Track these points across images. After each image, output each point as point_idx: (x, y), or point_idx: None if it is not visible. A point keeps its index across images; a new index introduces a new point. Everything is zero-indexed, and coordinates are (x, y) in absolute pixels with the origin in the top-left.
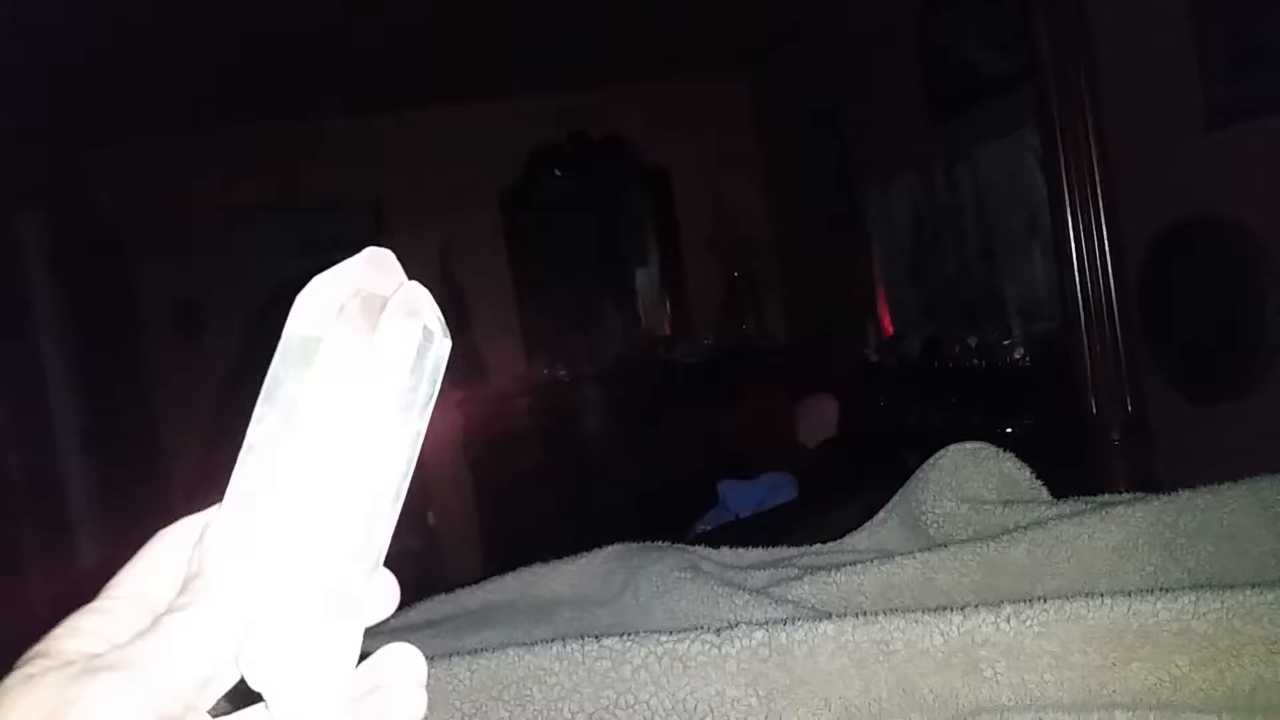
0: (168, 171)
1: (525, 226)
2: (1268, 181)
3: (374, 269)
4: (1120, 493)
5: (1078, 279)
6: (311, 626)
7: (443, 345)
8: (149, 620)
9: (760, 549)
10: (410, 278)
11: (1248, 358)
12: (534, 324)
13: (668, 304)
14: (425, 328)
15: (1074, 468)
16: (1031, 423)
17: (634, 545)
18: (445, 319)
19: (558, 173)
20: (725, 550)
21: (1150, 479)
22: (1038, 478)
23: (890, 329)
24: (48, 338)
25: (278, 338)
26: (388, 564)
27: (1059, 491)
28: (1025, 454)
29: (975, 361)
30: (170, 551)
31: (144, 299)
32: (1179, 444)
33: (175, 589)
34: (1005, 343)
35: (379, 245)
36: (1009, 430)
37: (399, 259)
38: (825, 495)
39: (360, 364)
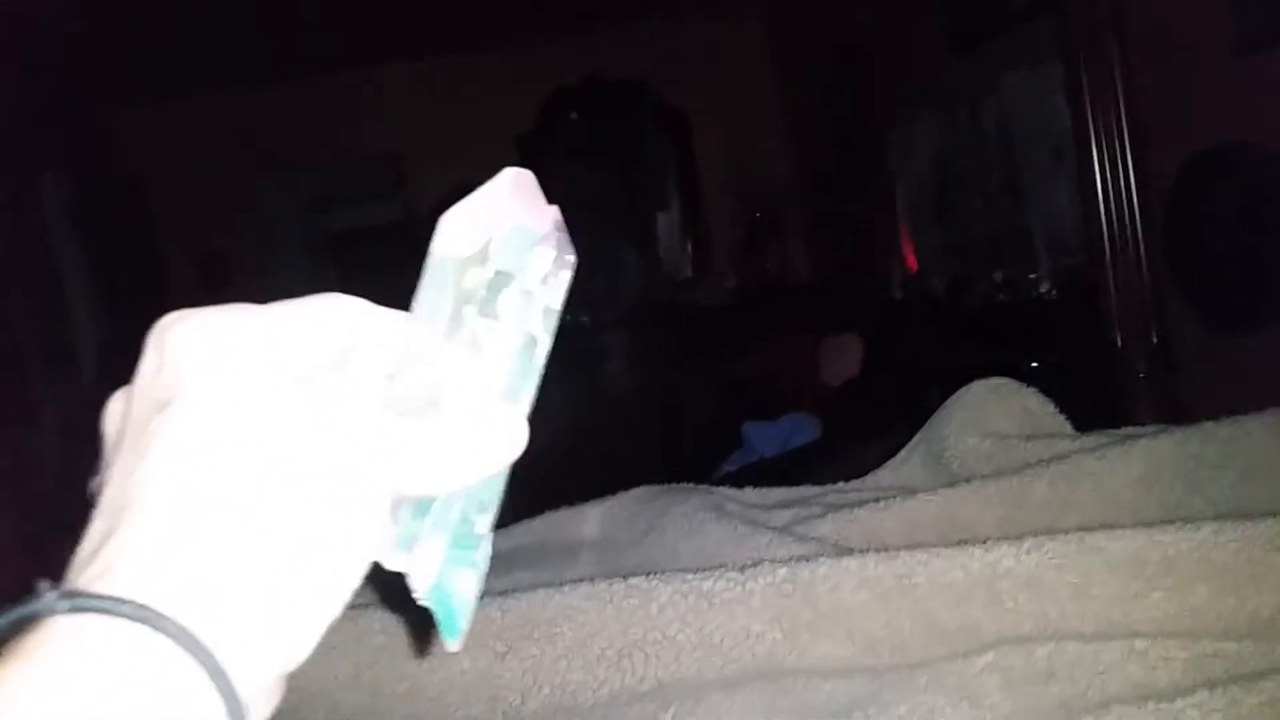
0: (189, 128)
1: (543, 171)
2: None
3: (521, 193)
4: (1145, 425)
5: (1102, 212)
6: (470, 537)
7: (573, 263)
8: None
9: (784, 488)
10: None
11: (1275, 288)
12: None
13: (689, 247)
14: (563, 252)
15: (1100, 401)
16: (1058, 357)
17: (658, 487)
18: None
19: (574, 116)
20: (749, 490)
21: (1177, 411)
22: (1062, 412)
23: (915, 266)
24: (74, 296)
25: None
26: None
27: (1085, 426)
28: (1051, 389)
29: (1001, 297)
30: (345, 318)
31: (169, 256)
32: (1205, 375)
33: (330, 361)
34: (1031, 277)
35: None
36: (1035, 365)
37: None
38: (849, 434)
39: (524, 296)
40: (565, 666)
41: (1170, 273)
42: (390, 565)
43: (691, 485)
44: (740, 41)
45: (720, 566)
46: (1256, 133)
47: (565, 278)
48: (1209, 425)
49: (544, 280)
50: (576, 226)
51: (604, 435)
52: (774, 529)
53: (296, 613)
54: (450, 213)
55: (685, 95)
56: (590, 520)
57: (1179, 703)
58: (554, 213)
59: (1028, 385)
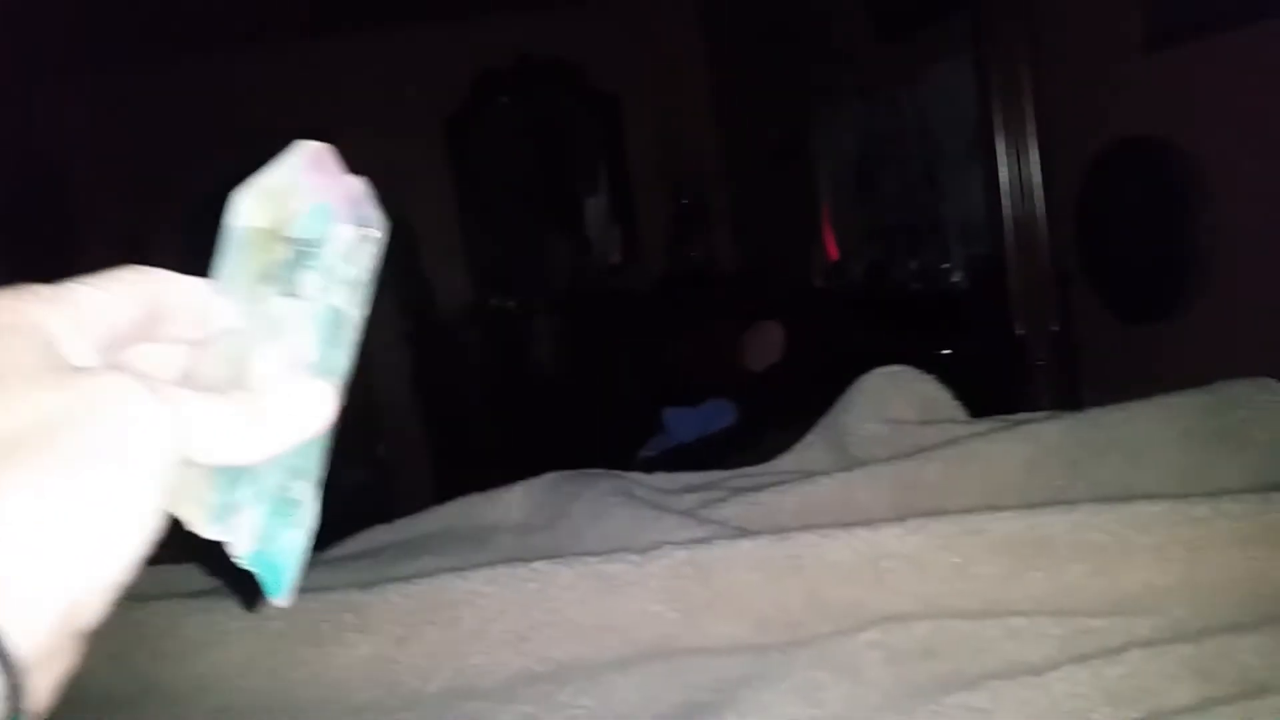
0: (109, 107)
1: (472, 154)
2: (1204, 103)
3: (317, 167)
4: (1042, 412)
5: (1006, 204)
6: (288, 501)
7: (382, 237)
8: (104, 323)
9: (692, 473)
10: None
11: (1180, 278)
12: (482, 254)
13: (618, 232)
14: (369, 221)
15: (1005, 389)
16: (969, 345)
17: (569, 473)
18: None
19: (504, 99)
20: (659, 475)
21: (1077, 399)
22: (968, 399)
23: (835, 254)
24: None
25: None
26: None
27: (987, 412)
28: (960, 376)
29: (916, 285)
30: (148, 289)
31: (88, 238)
32: (1111, 364)
33: (136, 331)
34: (944, 267)
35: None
36: (947, 353)
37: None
38: (766, 420)
39: (322, 270)
40: (466, 650)
41: (1078, 264)
42: (207, 535)
43: (603, 471)
44: (672, 26)
45: (622, 549)
46: (1165, 128)
47: (370, 250)
48: (1095, 411)
49: (345, 256)
50: (505, 209)
51: (527, 421)
52: (679, 513)
53: (80, 573)
54: (244, 188)
55: (616, 79)
56: (501, 506)
57: (1048, 676)
58: (357, 185)
59: (931, 373)
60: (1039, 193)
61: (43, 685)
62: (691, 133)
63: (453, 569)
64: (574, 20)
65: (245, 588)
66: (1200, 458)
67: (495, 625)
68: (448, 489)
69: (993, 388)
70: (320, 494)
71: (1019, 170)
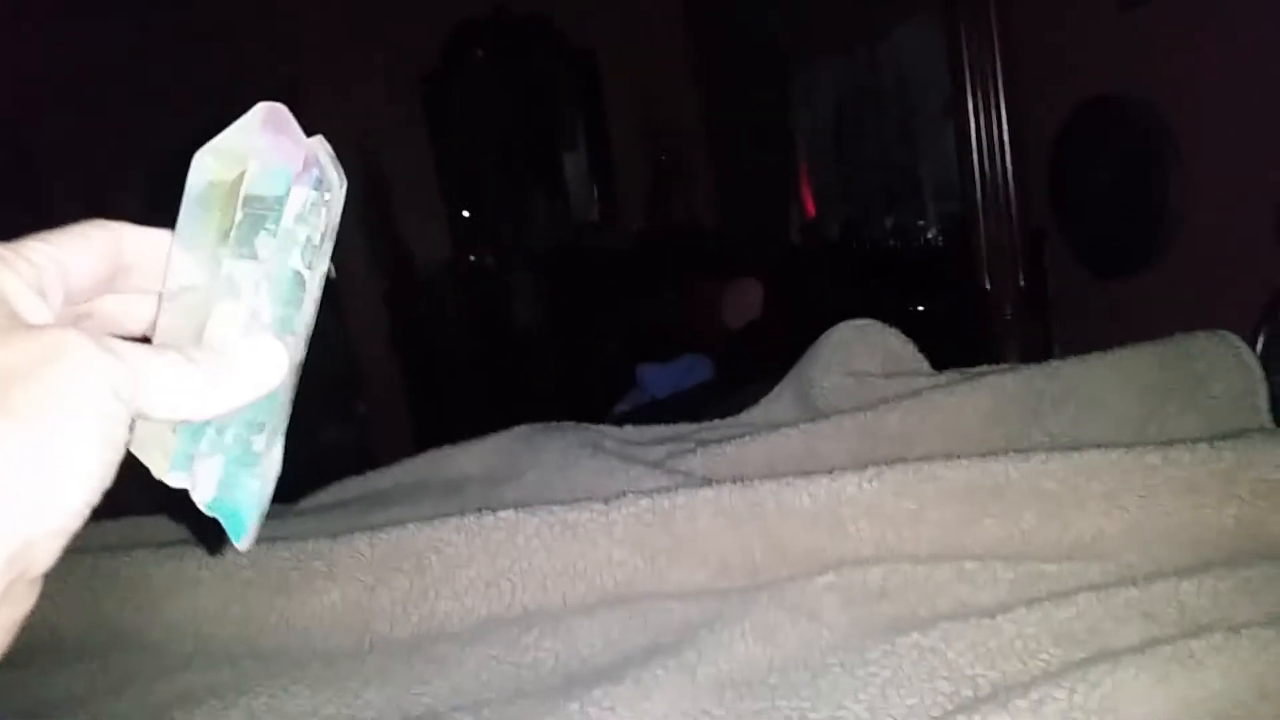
0: (80, 58)
1: (447, 110)
2: (1176, 61)
3: (272, 126)
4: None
5: (976, 160)
6: (251, 451)
7: (341, 194)
8: (61, 279)
9: (661, 426)
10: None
11: (1151, 233)
12: (460, 211)
13: (595, 189)
14: (327, 178)
15: (976, 344)
16: (941, 301)
17: (539, 425)
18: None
19: (480, 52)
20: (629, 428)
21: (1045, 353)
22: (940, 354)
23: (812, 211)
24: None
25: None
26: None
27: (958, 365)
28: (932, 331)
29: (891, 242)
30: (105, 244)
31: (53, 196)
32: (1084, 319)
33: (94, 285)
34: (920, 223)
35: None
36: (921, 309)
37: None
38: (741, 376)
39: (279, 226)
40: (434, 595)
41: (1052, 220)
42: (171, 483)
43: (572, 424)
44: None
45: (588, 498)
46: (1137, 85)
47: (327, 210)
48: (1054, 363)
49: (302, 218)
50: (483, 166)
51: (505, 377)
52: (645, 464)
53: (28, 520)
54: (202, 149)
55: (594, 35)
56: (471, 458)
57: (999, 618)
58: (313, 144)
59: (904, 328)
60: (1008, 150)
61: (9, 617)
62: (669, 89)
63: (422, 518)
64: None
65: (209, 534)
66: (1156, 408)
67: (463, 572)
68: (427, 445)
69: (964, 343)
70: (282, 445)
71: (989, 128)
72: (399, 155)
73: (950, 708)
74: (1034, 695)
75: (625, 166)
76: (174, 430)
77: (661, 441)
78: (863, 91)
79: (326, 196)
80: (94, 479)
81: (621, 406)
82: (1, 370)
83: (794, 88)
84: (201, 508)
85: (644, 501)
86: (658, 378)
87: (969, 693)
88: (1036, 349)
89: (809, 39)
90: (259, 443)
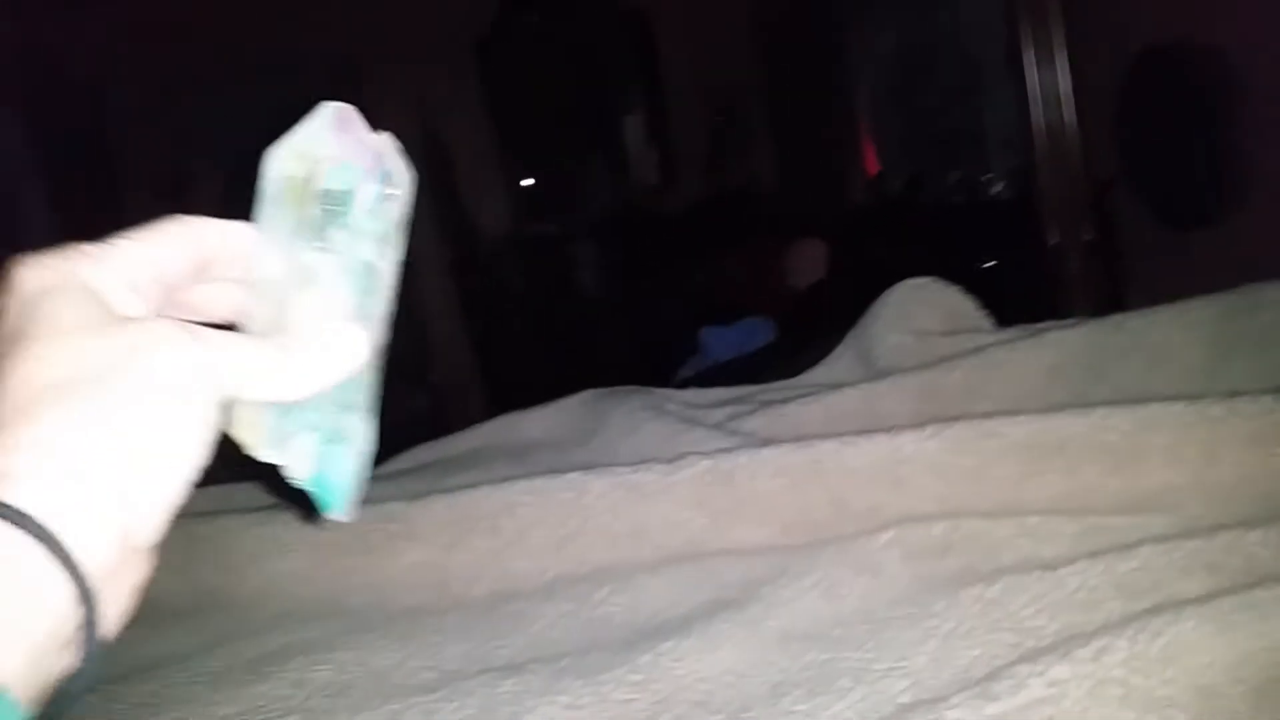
0: (139, 39)
1: (503, 77)
2: (1245, 4)
3: (340, 126)
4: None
5: (1037, 112)
6: (340, 427)
7: (409, 186)
8: (150, 273)
9: (723, 388)
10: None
11: (1222, 182)
12: (519, 179)
13: (655, 152)
14: (395, 171)
15: (1043, 300)
16: (1008, 256)
17: (604, 390)
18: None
19: (533, 18)
20: (691, 391)
21: (1116, 307)
22: (1007, 310)
23: (874, 168)
24: (33, 209)
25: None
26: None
27: (1024, 321)
28: (999, 288)
29: (955, 198)
30: (195, 238)
31: (124, 170)
32: (1155, 271)
33: (187, 278)
34: (984, 178)
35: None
36: (986, 265)
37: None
38: (803, 337)
39: (351, 219)
40: (508, 556)
41: (1120, 170)
42: (265, 459)
43: (636, 388)
44: None
45: (652, 460)
46: (1204, 28)
47: (396, 204)
48: (1119, 316)
49: (372, 212)
50: (541, 133)
51: (570, 344)
52: (707, 425)
53: (135, 497)
54: (275, 146)
55: None
56: (538, 423)
57: (1061, 571)
58: (381, 142)
59: (970, 286)
60: (1070, 99)
61: (118, 594)
62: (726, 48)
63: (494, 482)
64: None
65: (303, 506)
66: (1222, 360)
67: (534, 532)
68: (497, 411)
69: (1031, 299)
70: (373, 424)
71: (1050, 77)
72: (457, 126)
73: (1013, 658)
74: (1095, 645)
75: (684, 128)
76: (267, 411)
77: (723, 404)
78: (923, 44)
79: (395, 191)
80: (191, 459)
81: (685, 371)
82: (98, 361)
83: (853, 42)
84: (296, 483)
85: (706, 462)
86: (720, 341)
87: (1031, 643)
88: (1106, 303)
89: None
90: (350, 421)
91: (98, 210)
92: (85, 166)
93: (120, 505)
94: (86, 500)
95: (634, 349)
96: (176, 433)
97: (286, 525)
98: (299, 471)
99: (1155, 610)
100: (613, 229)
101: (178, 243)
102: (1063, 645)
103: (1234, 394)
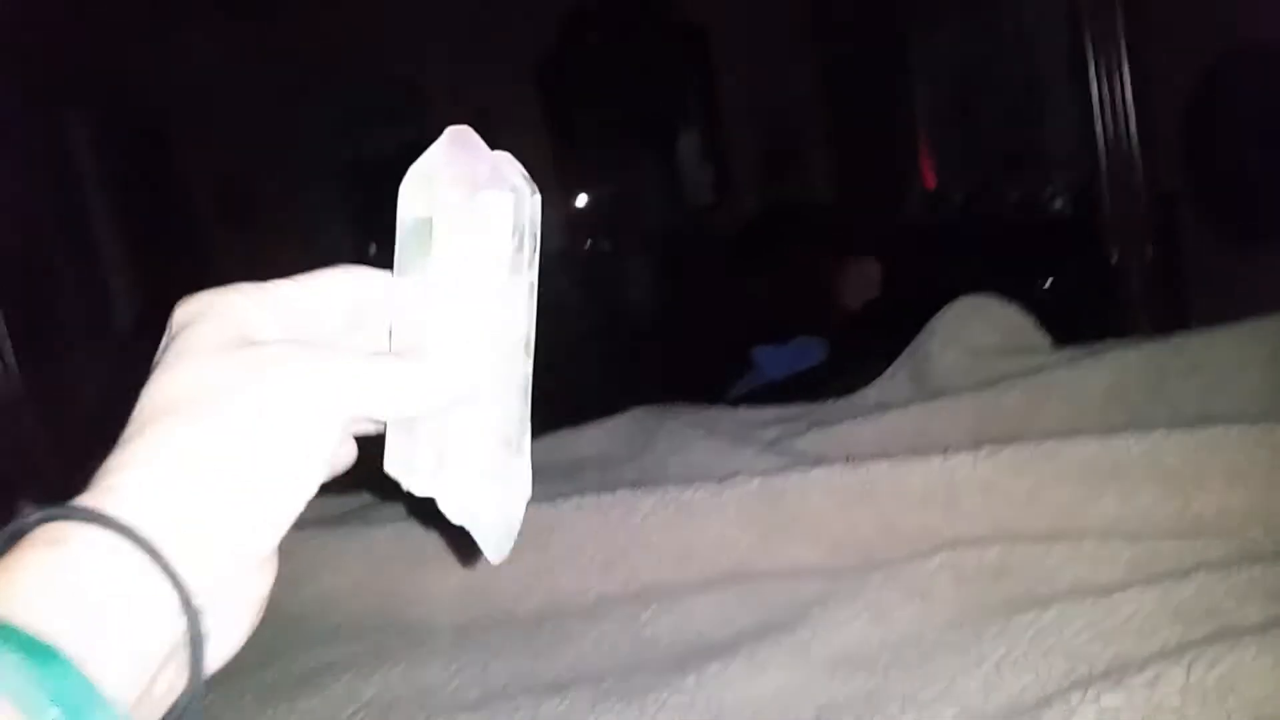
0: (206, 59)
1: (562, 96)
2: None
3: (459, 146)
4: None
5: (1099, 126)
6: (497, 462)
7: (534, 203)
8: (309, 331)
9: (774, 407)
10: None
11: None
12: (576, 196)
13: (711, 170)
14: (515, 189)
15: (1104, 319)
16: (1068, 275)
17: (654, 407)
18: None
19: (593, 38)
20: (743, 409)
21: (1178, 326)
22: (1068, 329)
23: (932, 183)
24: (102, 231)
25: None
26: None
27: (1084, 341)
28: (1061, 307)
29: (1017, 214)
30: (348, 285)
31: (195, 190)
32: (1223, 293)
33: (341, 324)
34: (1044, 194)
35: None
36: (1050, 282)
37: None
38: (856, 356)
39: (470, 239)
40: (556, 573)
41: (1186, 186)
42: (417, 493)
43: (686, 405)
44: None
45: (702, 478)
46: (1273, 39)
47: (521, 220)
48: (1180, 337)
49: (499, 232)
50: (598, 150)
51: (625, 360)
52: (758, 444)
53: (246, 512)
54: (405, 179)
55: (705, 10)
56: (589, 440)
57: (1116, 597)
58: (501, 160)
59: (1031, 305)
60: (1133, 113)
61: (235, 608)
62: (784, 63)
63: (543, 499)
64: None
65: (461, 545)
66: None
67: (583, 550)
68: (549, 427)
69: (1091, 318)
70: (528, 461)
71: (1113, 90)
72: (516, 144)
73: (1065, 685)
74: (1150, 673)
75: (740, 145)
76: (421, 444)
77: (775, 423)
78: (984, 57)
79: (515, 208)
80: (305, 477)
81: (738, 390)
82: (218, 381)
83: (913, 56)
84: (451, 518)
85: (756, 481)
86: (773, 359)
87: (1084, 670)
88: (1168, 323)
89: (929, 3)
90: (509, 460)
91: (165, 233)
92: (146, 178)
93: (229, 520)
94: (190, 513)
95: (687, 367)
96: (291, 451)
97: (342, 538)
98: (454, 510)
99: (1212, 638)
100: (667, 245)
101: (334, 289)
102: (1116, 673)
103: None
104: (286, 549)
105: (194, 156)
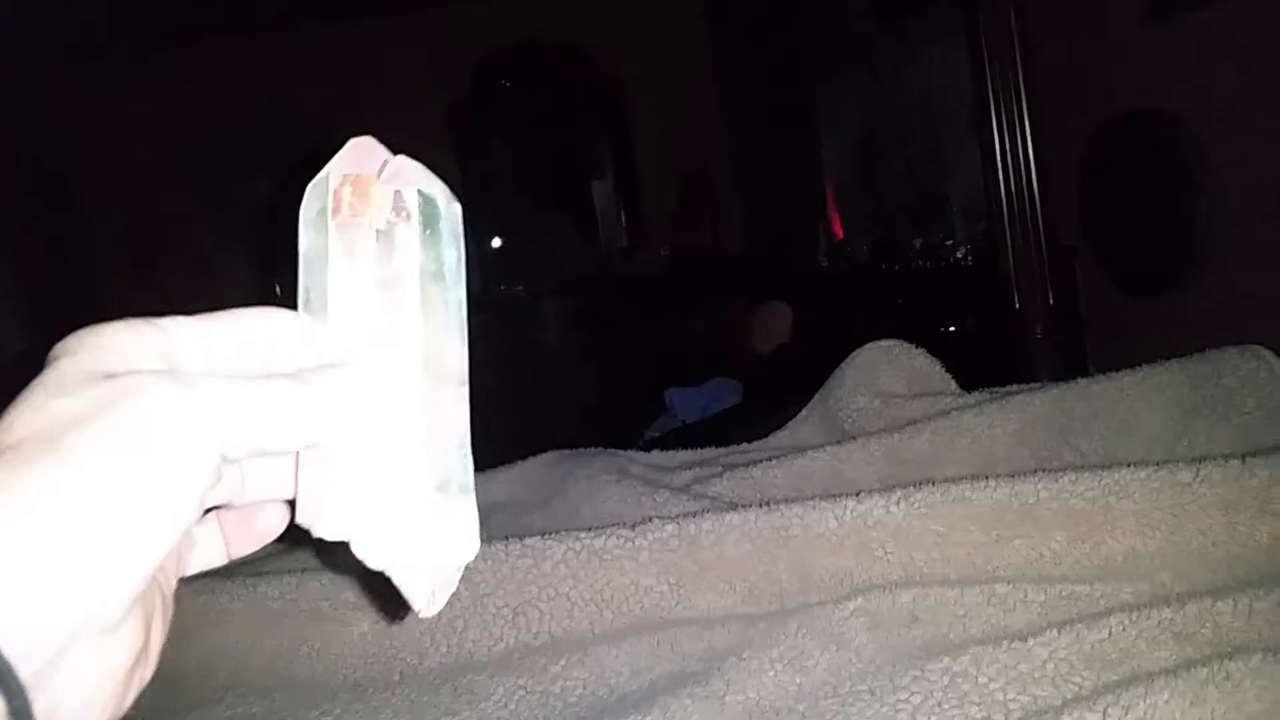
0: (112, 94)
1: (476, 140)
2: (1205, 73)
3: (359, 156)
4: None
5: (1001, 178)
6: (430, 504)
7: (452, 212)
8: (201, 368)
9: (688, 450)
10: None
11: (1184, 250)
12: (489, 240)
13: (624, 216)
14: (424, 194)
15: (1009, 364)
16: (973, 321)
17: (566, 452)
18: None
19: (506, 83)
20: (655, 453)
21: (1080, 371)
22: (973, 374)
23: (840, 233)
24: None
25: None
26: None
27: (988, 385)
28: (965, 352)
29: (921, 263)
30: (253, 323)
31: (96, 227)
32: (1117, 337)
33: (245, 366)
34: (949, 243)
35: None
36: (952, 329)
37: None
38: (769, 399)
39: (373, 255)
40: (462, 625)
41: (1083, 237)
42: (331, 538)
43: (599, 450)
44: (676, 5)
45: (615, 525)
46: (1166, 99)
47: (437, 227)
48: (1084, 382)
49: (407, 238)
50: (512, 196)
51: (536, 404)
52: (673, 489)
53: (90, 567)
54: (304, 200)
55: (620, 61)
56: (500, 484)
57: (1030, 642)
58: (406, 165)
59: (936, 350)
60: (1034, 167)
61: (87, 677)
62: (696, 114)
63: None
64: (576, 1)
65: (388, 597)
66: (1188, 425)
67: (490, 601)
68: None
69: (996, 363)
70: (472, 505)
71: (1014, 145)
72: None
73: None
74: (1066, 719)
75: (653, 192)
76: (328, 483)
77: (688, 466)
78: (889, 112)
79: (427, 217)
80: (161, 524)
81: (652, 432)
82: (58, 417)
83: (820, 110)
84: (367, 562)
85: (670, 527)
86: (687, 401)
87: (1000, 718)
88: (1069, 368)
89: (835, 61)
90: (436, 498)
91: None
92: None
93: (65, 576)
94: (14, 570)
95: (600, 409)
96: (146, 492)
97: (230, 593)
98: (370, 554)
99: (1126, 682)
100: (579, 289)
101: (237, 326)
102: (1033, 719)
103: (1201, 459)
104: (175, 604)
105: (96, 196)
